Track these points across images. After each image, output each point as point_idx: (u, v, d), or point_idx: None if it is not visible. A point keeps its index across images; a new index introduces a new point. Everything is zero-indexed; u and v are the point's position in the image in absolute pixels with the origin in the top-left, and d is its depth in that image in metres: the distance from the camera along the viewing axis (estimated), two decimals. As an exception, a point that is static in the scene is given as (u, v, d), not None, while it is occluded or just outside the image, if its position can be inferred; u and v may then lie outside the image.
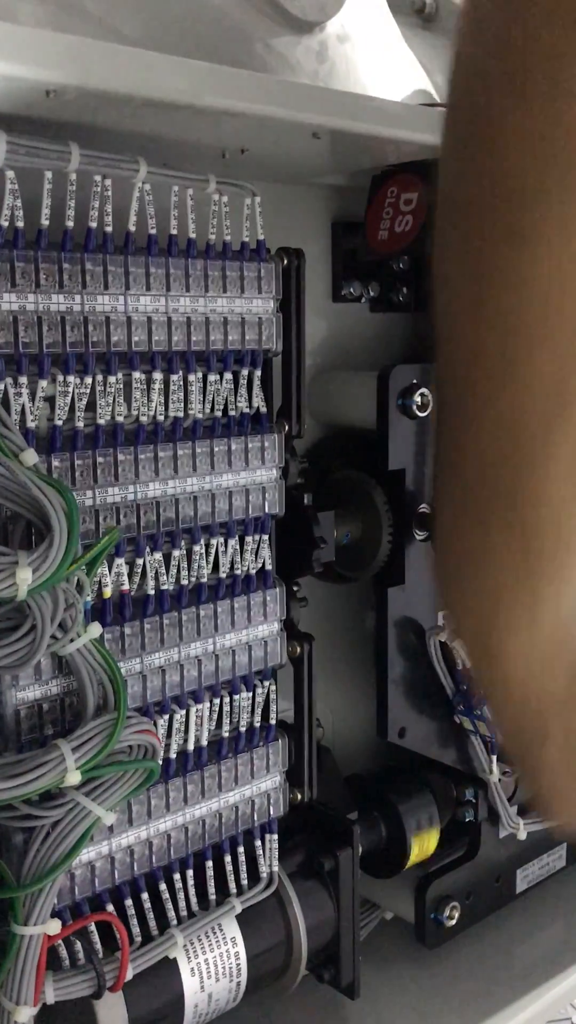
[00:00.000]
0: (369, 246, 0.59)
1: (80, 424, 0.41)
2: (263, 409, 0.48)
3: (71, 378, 0.41)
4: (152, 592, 0.45)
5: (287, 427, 0.50)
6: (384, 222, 0.58)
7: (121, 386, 0.42)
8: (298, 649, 0.51)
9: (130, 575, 0.44)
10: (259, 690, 0.49)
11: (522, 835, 0.64)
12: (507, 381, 0.36)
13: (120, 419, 0.43)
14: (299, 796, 0.52)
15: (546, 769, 0.43)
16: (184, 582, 0.46)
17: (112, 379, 0.42)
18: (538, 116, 0.31)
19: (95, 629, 0.41)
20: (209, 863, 0.48)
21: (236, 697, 0.48)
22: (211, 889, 0.49)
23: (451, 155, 0.35)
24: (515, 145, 0.32)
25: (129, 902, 0.45)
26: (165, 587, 0.45)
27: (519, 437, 0.36)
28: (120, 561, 0.43)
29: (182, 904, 0.47)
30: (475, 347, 0.37)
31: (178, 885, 0.47)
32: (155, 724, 0.45)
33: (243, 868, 0.50)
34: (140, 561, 0.44)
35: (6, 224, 0.39)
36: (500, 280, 0.34)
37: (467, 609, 0.41)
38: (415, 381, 0.57)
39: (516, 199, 0.32)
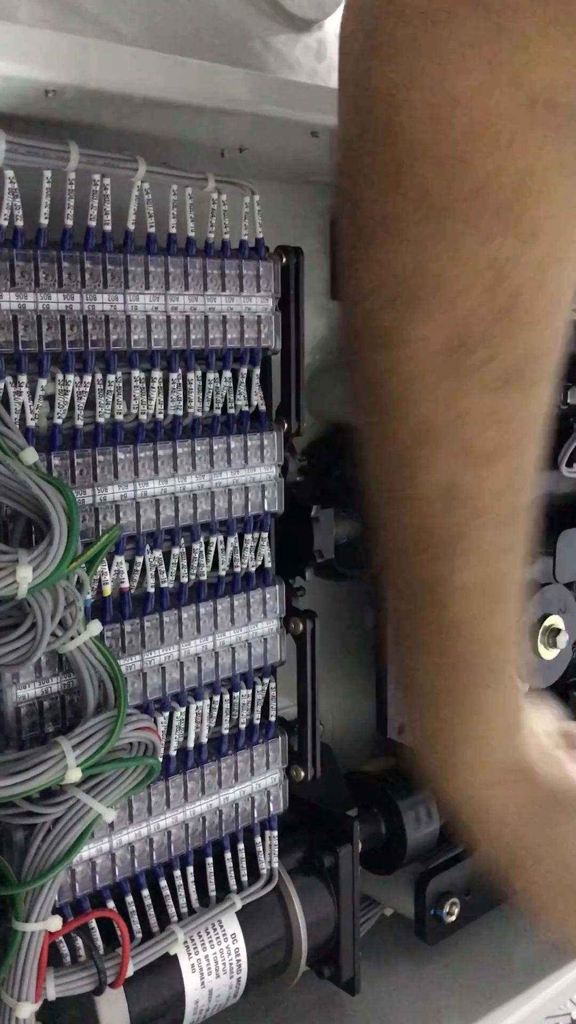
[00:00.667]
0: None
1: (80, 423, 0.42)
2: (262, 407, 0.48)
3: (71, 377, 0.41)
4: (152, 590, 0.45)
5: (286, 425, 0.50)
6: None
7: (120, 385, 0.43)
8: (300, 626, 0.51)
9: (130, 573, 0.44)
10: (259, 687, 0.49)
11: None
12: (401, 486, 0.36)
13: (120, 417, 0.43)
14: (302, 774, 0.52)
15: (530, 885, 0.43)
16: (184, 580, 0.46)
17: (111, 378, 0.42)
18: (380, 259, 0.33)
19: (95, 627, 0.41)
20: (209, 860, 0.49)
21: (236, 694, 0.49)
22: (211, 886, 0.49)
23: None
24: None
25: (130, 899, 0.45)
26: (165, 585, 0.45)
27: (422, 548, 0.37)
28: (120, 559, 0.43)
29: (183, 901, 0.47)
30: (371, 455, 0.37)
31: (179, 882, 0.47)
32: (155, 721, 0.45)
33: (243, 865, 0.50)
34: (140, 559, 0.44)
35: (5, 223, 0.39)
36: (379, 382, 0.35)
37: (415, 736, 0.42)
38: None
39: (375, 312, 0.34)
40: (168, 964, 0.47)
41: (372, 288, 0.33)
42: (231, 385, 0.47)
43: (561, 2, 0.28)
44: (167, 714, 0.46)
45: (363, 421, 0.37)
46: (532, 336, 0.33)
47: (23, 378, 0.40)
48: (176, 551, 0.45)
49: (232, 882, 0.50)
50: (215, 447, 0.46)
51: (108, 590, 0.43)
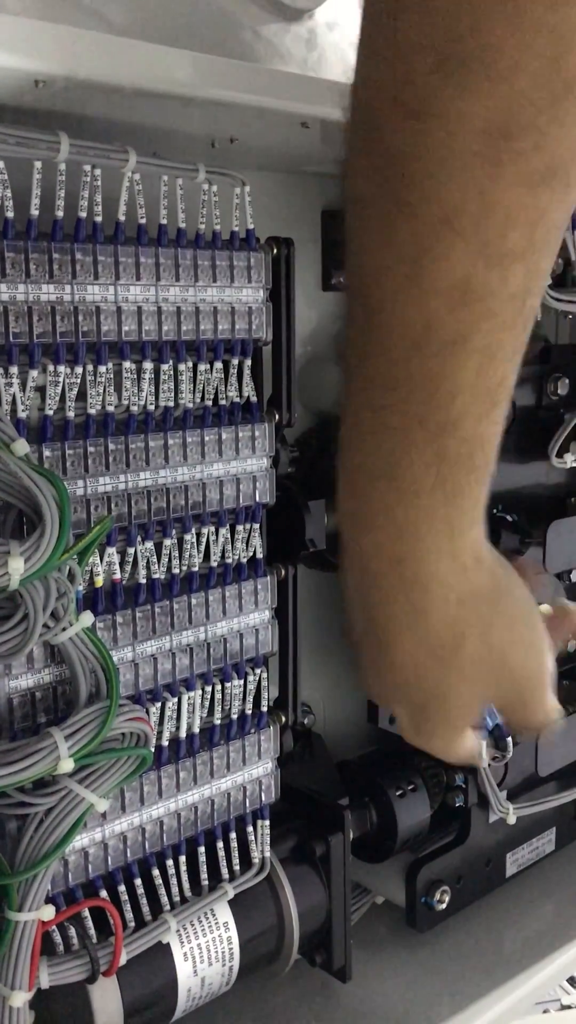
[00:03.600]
0: None
1: (71, 414, 0.42)
2: (253, 398, 0.48)
3: (61, 368, 0.41)
4: (144, 581, 0.45)
5: (277, 416, 0.50)
6: None
7: (112, 376, 0.43)
8: (283, 571, 0.51)
9: (122, 564, 0.44)
10: (251, 677, 0.50)
11: (512, 820, 0.65)
12: (412, 276, 0.34)
13: (111, 409, 0.43)
14: (283, 718, 0.52)
15: (456, 679, 0.42)
16: (176, 571, 0.46)
17: (102, 369, 0.42)
18: (435, 15, 0.30)
19: (87, 618, 0.41)
20: (201, 849, 0.49)
21: (228, 685, 0.49)
22: (203, 875, 0.49)
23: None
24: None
25: (122, 888, 0.46)
26: (157, 576, 0.45)
27: (425, 344, 0.35)
28: (112, 550, 0.43)
29: (175, 890, 0.48)
30: (381, 240, 0.35)
31: (171, 871, 0.47)
32: (147, 712, 0.45)
33: (235, 854, 0.50)
34: (132, 550, 0.44)
35: (-4, 214, 0.39)
36: (405, 156, 0.32)
37: (380, 521, 0.40)
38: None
39: (415, 76, 0.31)
40: (161, 952, 0.47)
41: (418, 45, 0.30)
42: (222, 376, 0.47)
43: None
44: (159, 704, 0.46)
45: (376, 200, 0.34)
46: None
47: (14, 369, 0.40)
48: (168, 542, 0.45)
49: (224, 871, 0.50)
50: (206, 438, 0.46)
51: (100, 581, 0.43)
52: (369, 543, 0.40)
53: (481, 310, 0.34)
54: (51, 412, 0.41)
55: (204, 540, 0.47)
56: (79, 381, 0.42)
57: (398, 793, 0.61)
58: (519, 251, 0.33)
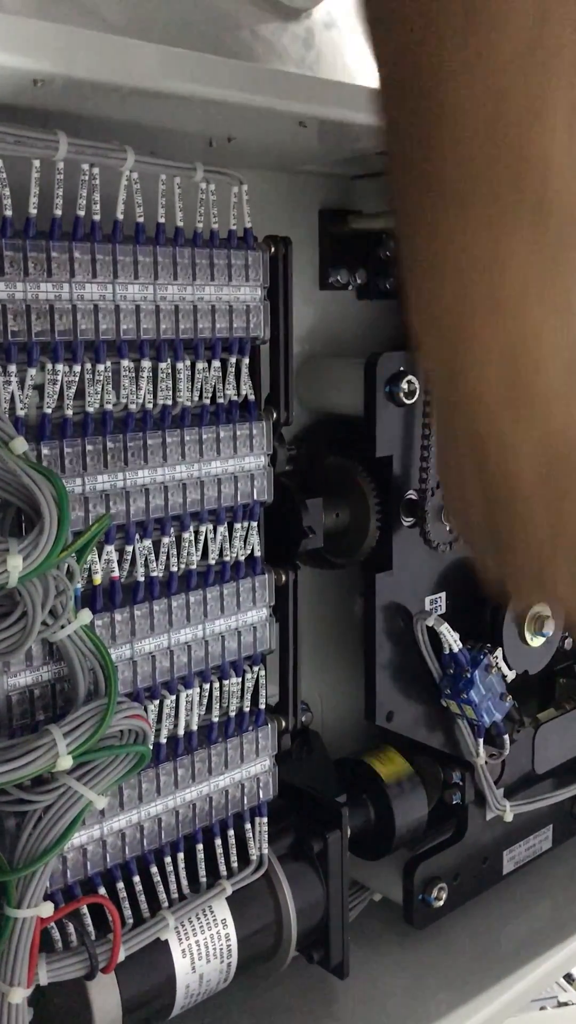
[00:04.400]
0: None
1: (69, 412, 0.42)
2: (251, 397, 0.49)
3: (60, 366, 0.41)
4: (142, 579, 0.45)
5: (275, 415, 0.50)
6: None
7: (110, 374, 0.43)
8: (283, 577, 0.52)
9: (120, 562, 0.44)
10: (248, 675, 0.50)
11: (508, 817, 0.65)
12: (472, 38, 0.31)
13: (109, 407, 0.43)
14: (283, 723, 0.53)
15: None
16: (174, 569, 0.46)
17: (101, 367, 0.42)
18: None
19: (85, 616, 0.41)
20: (200, 846, 0.49)
21: (226, 682, 0.49)
22: (202, 872, 0.49)
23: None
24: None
25: (121, 885, 0.46)
26: (155, 574, 0.45)
27: (502, 92, 0.32)
28: (110, 548, 0.43)
29: (173, 887, 0.48)
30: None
31: (169, 868, 0.48)
32: (146, 709, 0.45)
33: (233, 851, 0.50)
34: (130, 548, 0.44)
35: (-6, 213, 0.39)
36: None
37: (493, 319, 0.35)
38: (402, 368, 0.57)
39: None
40: (159, 949, 0.47)
41: None
42: (220, 375, 0.47)
43: None
44: (157, 702, 0.46)
45: None
46: None
47: (12, 367, 0.40)
48: (166, 540, 0.46)
49: (222, 868, 0.50)
50: (204, 436, 0.46)
51: (98, 579, 0.43)
52: (481, 349, 0.36)
53: (551, 69, 0.31)
54: (49, 410, 0.41)
55: (202, 538, 0.47)
56: (77, 379, 0.42)
57: (396, 791, 0.61)
58: None
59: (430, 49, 0.33)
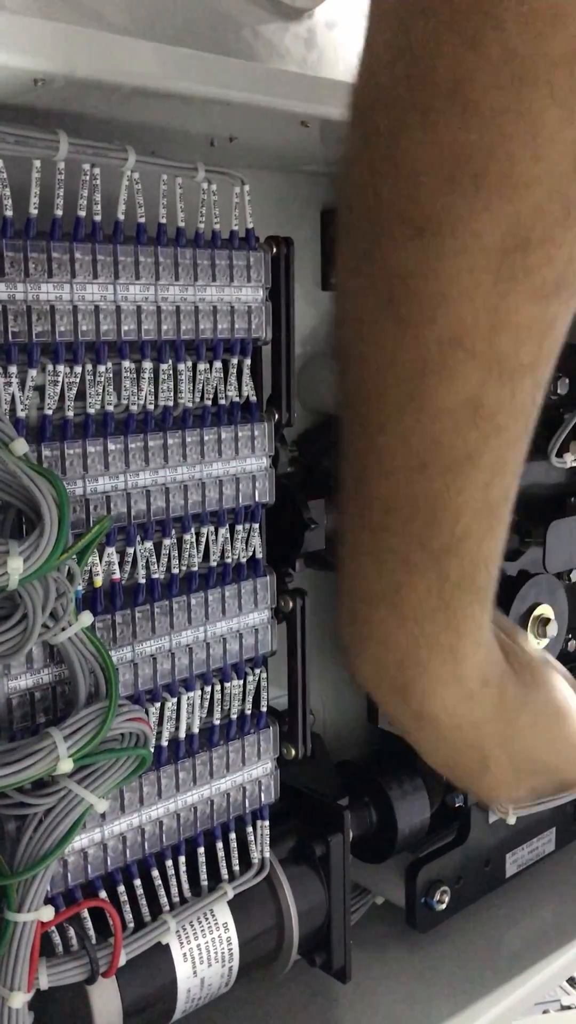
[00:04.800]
0: None
1: (70, 413, 0.42)
2: (253, 398, 0.48)
3: (60, 367, 0.41)
4: (143, 581, 0.45)
5: (277, 416, 0.50)
6: None
7: (111, 375, 0.42)
8: (291, 604, 0.51)
9: (121, 564, 0.44)
10: (250, 678, 0.50)
11: (511, 820, 0.65)
12: (417, 397, 0.33)
13: (110, 408, 0.43)
14: (293, 752, 0.52)
15: (492, 788, 0.43)
16: (175, 571, 0.46)
17: (102, 368, 0.42)
18: (443, 133, 0.29)
19: (86, 618, 0.41)
20: (201, 849, 0.49)
21: (227, 685, 0.49)
22: (203, 875, 0.49)
23: (354, 163, 0.33)
24: (422, 164, 0.29)
25: (122, 888, 0.46)
26: (156, 576, 0.45)
27: (430, 464, 0.34)
28: (111, 550, 0.43)
29: (174, 890, 0.48)
30: (381, 360, 0.33)
31: (170, 871, 0.47)
32: (147, 712, 0.45)
33: (235, 854, 0.50)
34: (131, 550, 0.44)
35: (-6, 213, 0.39)
36: (410, 275, 0.31)
37: (381, 651, 0.39)
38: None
39: (423, 195, 0.30)
40: (160, 953, 0.47)
41: (426, 165, 0.29)
42: (221, 376, 0.47)
43: None
44: (158, 704, 0.46)
45: (375, 319, 0.33)
46: None
47: (13, 369, 0.39)
48: (167, 542, 0.45)
49: (224, 871, 0.50)
50: (206, 438, 0.46)
51: (99, 581, 0.43)
52: (372, 672, 0.39)
53: (490, 427, 0.33)
54: (50, 412, 0.41)
55: (203, 540, 0.47)
56: (78, 381, 0.41)
57: (398, 793, 0.61)
58: (528, 364, 0.32)
59: (381, 388, 0.34)
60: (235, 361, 0.47)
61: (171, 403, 0.45)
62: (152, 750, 0.44)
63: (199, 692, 0.47)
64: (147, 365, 0.44)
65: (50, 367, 0.41)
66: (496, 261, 0.30)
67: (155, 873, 0.47)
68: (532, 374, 0.32)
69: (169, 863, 0.47)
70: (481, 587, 0.37)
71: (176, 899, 0.48)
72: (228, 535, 0.48)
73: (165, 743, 0.46)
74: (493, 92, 0.27)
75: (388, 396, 0.34)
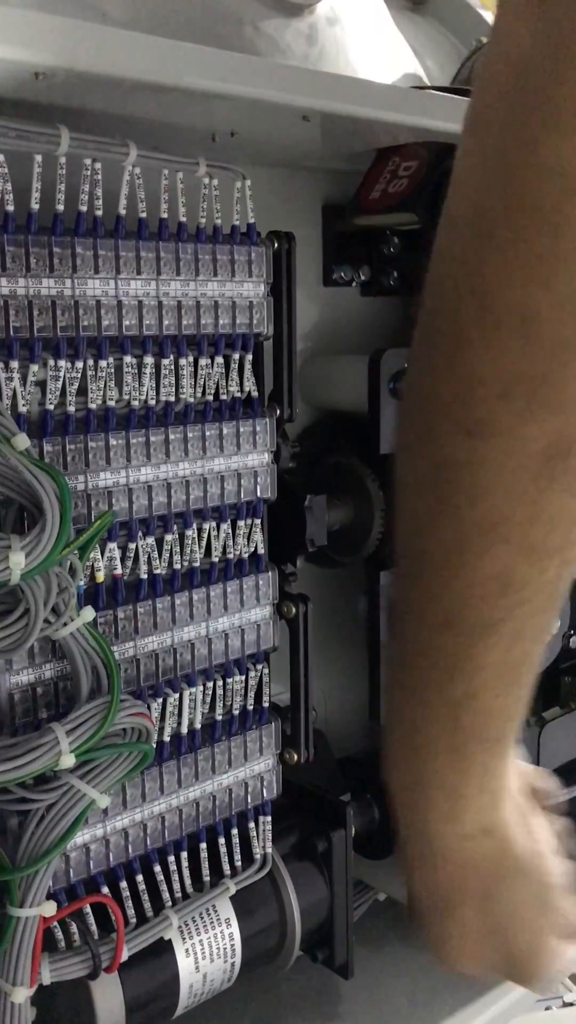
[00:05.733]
0: (359, 205, 0.58)
1: (71, 409, 0.41)
2: (254, 393, 0.48)
3: (62, 362, 0.41)
4: (145, 576, 0.45)
5: (278, 411, 0.50)
6: (379, 185, 0.57)
7: (112, 370, 0.42)
8: (293, 610, 0.51)
9: (123, 559, 0.44)
10: (252, 673, 0.50)
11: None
12: (452, 565, 0.36)
13: (111, 403, 0.43)
14: (295, 757, 0.52)
15: (458, 926, 0.45)
16: (177, 566, 0.46)
17: (103, 363, 0.42)
18: (501, 355, 0.31)
19: (88, 613, 0.41)
20: (203, 845, 0.49)
21: (229, 680, 0.49)
22: (205, 871, 0.49)
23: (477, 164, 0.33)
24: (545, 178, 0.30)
25: (124, 884, 0.45)
26: (158, 571, 0.45)
27: (455, 624, 0.36)
28: (113, 545, 0.43)
29: (176, 886, 0.48)
30: (426, 524, 0.36)
31: (172, 867, 0.47)
32: (149, 707, 0.45)
33: (237, 850, 0.50)
34: (133, 545, 0.44)
35: (-4, 208, 0.39)
36: (457, 464, 0.34)
37: (402, 780, 0.43)
38: (406, 365, 0.57)
39: (476, 401, 0.32)
40: (162, 949, 0.47)
41: (486, 377, 0.31)
42: (223, 371, 0.47)
43: None
44: (160, 700, 0.46)
45: (423, 493, 0.36)
46: None
47: (14, 364, 0.39)
48: (169, 537, 0.45)
49: (226, 867, 0.50)
50: (207, 433, 0.46)
51: (101, 576, 0.43)
52: (392, 780, 0.44)
53: (516, 599, 0.35)
54: (52, 407, 0.41)
55: (205, 535, 0.47)
56: (80, 376, 0.41)
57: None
58: (557, 547, 0.34)
59: (422, 550, 0.37)
60: (236, 356, 0.47)
61: (172, 398, 0.45)
62: (154, 745, 0.44)
63: (201, 688, 0.47)
64: (148, 360, 0.44)
65: (51, 362, 0.41)
66: (538, 464, 0.32)
67: (157, 869, 0.47)
68: (560, 554, 0.35)
69: (171, 859, 0.47)
70: (493, 737, 0.40)
71: (178, 895, 0.48)
72: (230, 531, 0.48)
73: (167, 738, 0.46)
74: (557, 327, 0.29)
75: (427, 558, 0.36)
